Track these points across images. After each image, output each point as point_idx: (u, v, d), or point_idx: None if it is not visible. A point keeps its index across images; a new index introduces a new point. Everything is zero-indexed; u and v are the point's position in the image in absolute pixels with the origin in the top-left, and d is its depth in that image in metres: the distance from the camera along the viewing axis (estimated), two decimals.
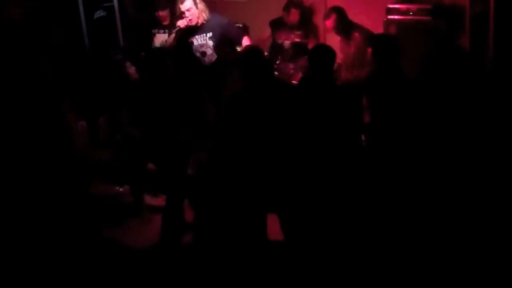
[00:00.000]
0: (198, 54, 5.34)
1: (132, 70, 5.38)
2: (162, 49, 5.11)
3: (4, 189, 4.57)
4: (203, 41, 5.29)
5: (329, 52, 4.19)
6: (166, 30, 5.73)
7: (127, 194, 4.99)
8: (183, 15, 5.25)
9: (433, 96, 4.38)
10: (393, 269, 3.91)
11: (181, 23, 5.28)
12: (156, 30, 5.83)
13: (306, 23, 6.18)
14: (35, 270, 4.16)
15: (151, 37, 5.76)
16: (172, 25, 5.67)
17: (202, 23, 5.29)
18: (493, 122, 4.48)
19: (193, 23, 5.27)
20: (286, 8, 6.04)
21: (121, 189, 5.08)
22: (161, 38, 5.75)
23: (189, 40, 5.34)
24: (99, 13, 5.72)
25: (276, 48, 6.09)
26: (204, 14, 5.27)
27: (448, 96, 4.48)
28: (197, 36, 5.33)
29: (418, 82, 4.57)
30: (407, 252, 4.01)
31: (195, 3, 5.22)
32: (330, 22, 5.58)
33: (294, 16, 6.00)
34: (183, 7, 5.24)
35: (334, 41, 5.54)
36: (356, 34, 5.43)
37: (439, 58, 4.88)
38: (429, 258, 3.92)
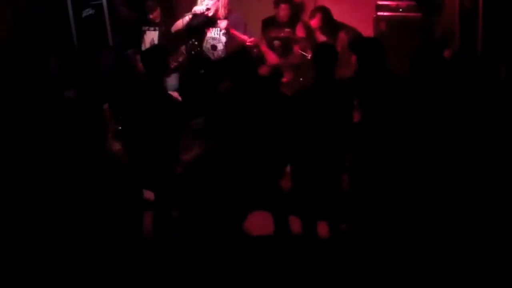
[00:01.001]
0: (208, 46, 5.37)
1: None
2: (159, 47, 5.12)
3: (10, 186, 4.57)
4: (217, 35, 5.34)
5: (332, 51, 4.21)
6: (157, 28, 5.73)
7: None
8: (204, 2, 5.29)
9: (422, 93, 4.39)
10: (390, 268, 3.93)
11: (198, 10, 5.29)
12: (147, 28, 5.84)
13: (296, 21, 6.19)
14: (36, 267, 4.16)
15: (141, 34, 5.75)
16: (163, 22, 5.67)
17: (221, 17, 5.31)
18: (482, 117, 4.51)
19: (210, 13, 5.30)
20: (276, 3, 6.04)
21: None
22: (151, 36, 5.76)
23: (204, 29, 5.36)
24: (88, 11, 5.69)
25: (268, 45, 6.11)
26: (224, 10, 5.30)
27: (437, 92, 4.50)
28: (212, 28, 5.36)
29: (408, 78, 4.58)
30: (402, 251, 4.04)
31: None
32: (315, 22, 5.62)
33: (283, 11, 6.00)
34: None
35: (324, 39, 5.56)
36: (342, 34, 5.46)
37: (429, 54, 4.89)
38: (425, 258, 3.95)
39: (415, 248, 4.05)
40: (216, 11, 5.36)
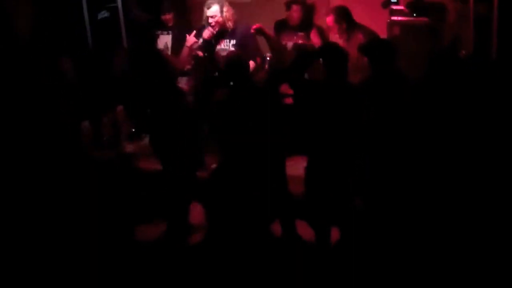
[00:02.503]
0: (219, 57, 5.41)
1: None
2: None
3: (9, 190, 4.57)
4: (226, 47, 5.34)
5: (341, 51, 4.22)
6: (170, 32, 5.76)
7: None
8: (208, 20, 5.30)
9: (437, 97, 4.39)
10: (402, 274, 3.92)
11: (206, 35, 5.32)
12: (160, 31, 5.86)
13: (309, 25, 6.19)
14: (37, 268, 4.17)
15: (155, 38, 5.78)
16: (176, 26, 5.69)
17: (229, 29, 5.34)
18: (497, 122, 4.50)
19: (216, 29, 5.30)
20: (288, 5, 6.03)
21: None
22: (164, 40, 5.80)
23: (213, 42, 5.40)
24: (103, 14, 5.74)
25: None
26: (230, 22, 5.31)
27: (452, 97, 4.49)
28: (222, 41, 5.39)
29: (422, 82, 4.58)
30: (413, 256, 4.03)
31: (221, 11, 5.27)
32: (330, 19, 5.54)
33: (296, 13, 5.97)
34: (209, 12, 5.29)
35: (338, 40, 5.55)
36: (359, 35, 5.42)
37: (443, 58, 4.89)
38: (428, 258, 3.95)
39: (427, 254, 4.04)
40: (223, 24, 5.36)
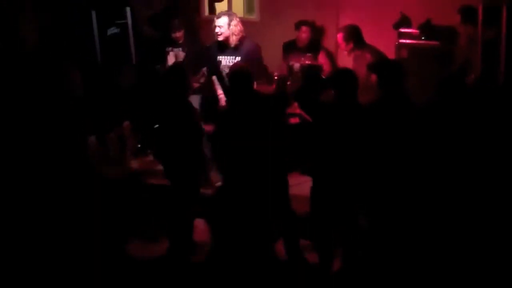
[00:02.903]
0: (223, 74, 5.42)
1: None
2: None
3: (14, 202, 4.57)
4: (231, 63, 5.37)
5: (353, 77, 4.23)
6: (180, 49, 5.80)
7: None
8: (215, 30, 5.35)
9: (443, 120, 4.39)
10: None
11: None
12: (170, 48, 5.90)
13: (317, 46, 6.23)
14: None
15: (165, 55, 5.82)
16: (186, 43, 5.73)
17: (235, 45, 5.37)
18: (503, 144, 4.49)
19: (220, 38, 5.36)
20: (297, 26, 6.08)
21: None
22: (176, 53, 5.82)
23: (218, 58, 5.44)
24: (113, 30, 5.79)
25: (288, 70, 6.12)
26: (234, 37, 5.35)
27: (460, 119, 4.49)
28: (226, 57, 5.41)
29: (429, 106, 4.58)
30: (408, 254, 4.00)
31: (229, 24, 5.31)
32: (340, 36, 5.57)
33: (305, 34, 6.04)
34: (217, 22, 5.35)
35: (346, 63, 5.57)
36: (368, 55, 5.44)
37: (452, 82, 4.89)
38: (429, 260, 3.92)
39: (430, 273, 4.02)
40: (227, 37, 5.39)
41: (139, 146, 5.64)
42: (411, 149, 4.19)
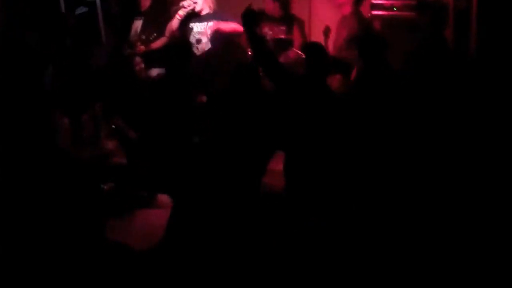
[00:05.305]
0: (193, 41, 5.38)
1: (140, 67, 5.45)
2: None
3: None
4: (202, 29, 5.35)
5: (323, 51, 4.20)
6: (142, 17, 5.68)
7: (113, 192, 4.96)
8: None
9: (419, 91, 4.40)
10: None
11: (186, 4, 5.37)
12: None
13: (291, 18, 6.09)
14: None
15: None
16: (150, 10, 5.62)
17: (208, 13, 5.39)
18: (478, 115, 4.52)
19: (198, 8, 5.35)
20: None
21: (105, 187, 5.03)
22: (136, 25, 5.70)
23: (189, 25, 5.43)
24: (81, 9, 5.69)
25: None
26: (207, 6, 5.33)
27: (433, 91, 4.50)
28: (198, 23, 5.38)
29: (403, 77, 4.58)
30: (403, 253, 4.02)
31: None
32: None
33: (268, 5, 5.87)
34: None
35: (319, 37, 5.53)
36: (355, 24, 5.50)
37: (424, 53, 4.89)
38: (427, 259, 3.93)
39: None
40: (198, 5, 5.39)
41: (113, 127, 5.58)
42: (395, 123, 4.19)
